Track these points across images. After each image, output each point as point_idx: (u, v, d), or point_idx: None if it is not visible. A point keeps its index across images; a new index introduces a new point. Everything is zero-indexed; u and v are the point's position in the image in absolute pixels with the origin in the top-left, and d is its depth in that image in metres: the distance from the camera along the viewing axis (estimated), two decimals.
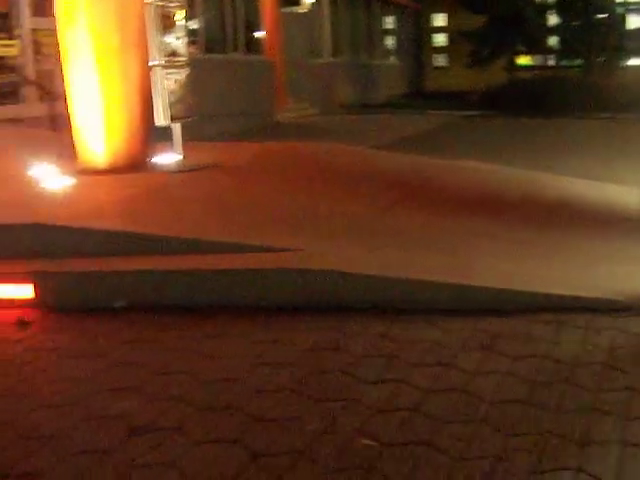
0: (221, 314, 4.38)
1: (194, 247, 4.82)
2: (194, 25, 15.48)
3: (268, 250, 4.70)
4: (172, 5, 8.12)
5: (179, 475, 2.72)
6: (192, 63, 8.14)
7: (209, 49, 16.52)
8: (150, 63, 7.35)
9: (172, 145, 7.38)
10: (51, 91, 11.53)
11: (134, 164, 7.09)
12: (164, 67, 7.47)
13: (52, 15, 12.16)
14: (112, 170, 6.98)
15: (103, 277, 4.67)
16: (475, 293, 4.33)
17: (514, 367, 3.55)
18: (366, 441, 2.91)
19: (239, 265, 4.63)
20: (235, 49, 18.06)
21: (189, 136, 7.71)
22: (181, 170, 7.08)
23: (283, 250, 4.70)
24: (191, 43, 10.79)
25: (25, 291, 4.66)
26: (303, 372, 3.56)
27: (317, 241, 4.95)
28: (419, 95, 29.92)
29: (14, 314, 4.52)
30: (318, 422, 3.05)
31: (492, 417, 3.08)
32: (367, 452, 2.83)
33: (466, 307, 4.24)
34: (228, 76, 16.36)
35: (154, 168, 7.18)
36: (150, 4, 7.67)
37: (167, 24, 8.03)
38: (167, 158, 7.37)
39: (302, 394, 3.33)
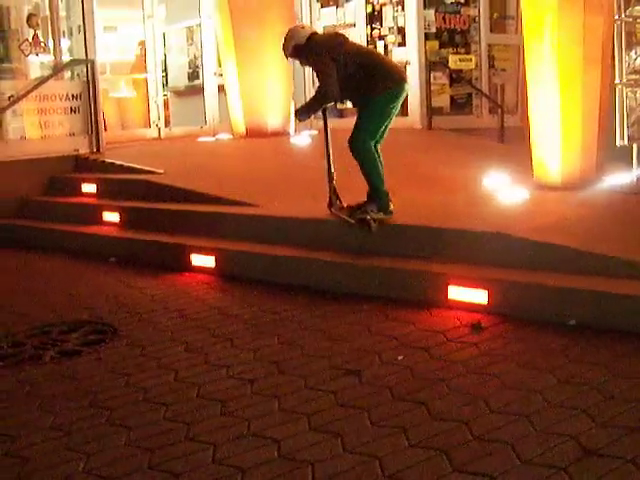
0: None
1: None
2: None
3: None
4: None
5: None
6: None
7: None
8: (615, 81, 7.18)
9: (630, 166, 7.11)
10: (500, 104, 11.84)
11: (587, 182, 7.00)
12: (627, 85, 7.23)
13: (506, 32, 12.56)
14: (565, 187, 6.96)
15: (556, 292, 4.68)
16: None
17: None
18: None
19: None
20: None
21: None
22: (636, 192, 6.80)
23: None
24: None
25: (479, 296, 4.85)
26: None
27: None
28: None
29: (469, 317, 4.75)
30: None
31: None
32: None
33: None
34: None
35: (608, 188, 6.99)
36: (618, 20, 7.48)
37: (630, 41, 7.77)
38: (621, 178, 7.13)
39: None
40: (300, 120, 6.15)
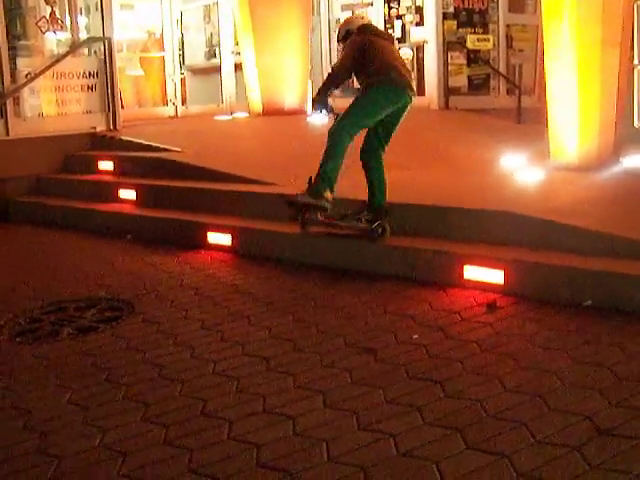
0: None
1: None
2: None
3: None
4: None
5: None
6: None
7: None
8: (634, 62, 7.12)
9: None
10: (518, 85, 11.78)
11: (604, 163, 6.96)
12: None
13: (525, 12, 12.45)
14: (581, 168, 6.93)
15: (571, 273, 4.66)
16: None
17: None
18: None
19: None
20: None
21: None
22: None
23: None
24: None
25: (495, 276, 4.84)
26: None
27: None
28: None
29: (485, 297, 4.75)
30: None
31: None
32: None
33: None
34: None
35: (625, 169, 6.96)
36: (638, 1, 7.42)
37: None
38: (639, 159, 7.09)
39: None
40: (316, 109, 5.62)
